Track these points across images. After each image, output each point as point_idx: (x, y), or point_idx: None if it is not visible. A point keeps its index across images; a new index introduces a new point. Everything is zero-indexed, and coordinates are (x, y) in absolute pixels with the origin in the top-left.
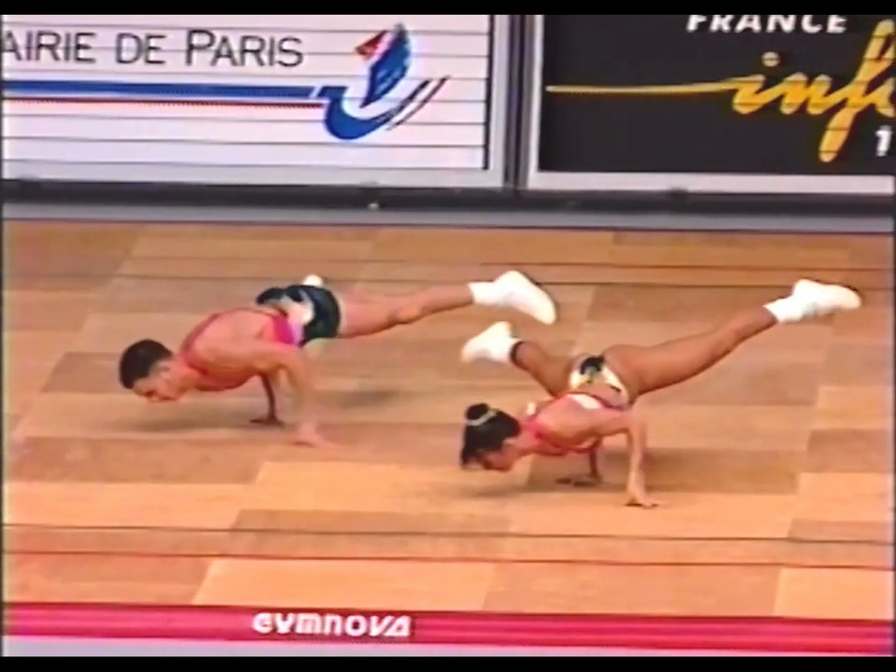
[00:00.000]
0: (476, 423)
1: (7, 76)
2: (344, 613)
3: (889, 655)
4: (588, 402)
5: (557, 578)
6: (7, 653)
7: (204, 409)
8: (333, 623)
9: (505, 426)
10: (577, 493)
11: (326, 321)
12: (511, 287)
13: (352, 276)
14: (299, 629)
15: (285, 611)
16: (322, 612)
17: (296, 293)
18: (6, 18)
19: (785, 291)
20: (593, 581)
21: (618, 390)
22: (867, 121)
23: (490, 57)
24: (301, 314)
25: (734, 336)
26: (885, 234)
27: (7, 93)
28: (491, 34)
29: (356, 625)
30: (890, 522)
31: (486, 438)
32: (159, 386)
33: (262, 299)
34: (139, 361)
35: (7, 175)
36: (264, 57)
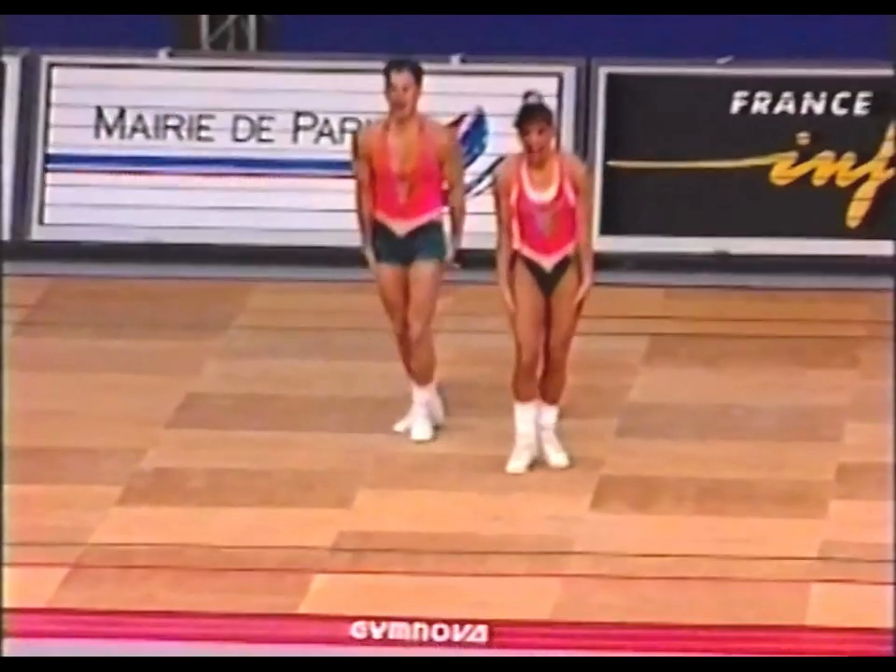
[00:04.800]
0: (531, 100)
1: (138, 153)
2: (430, 622)
3: (890, 656)
4: None
5: (616, 591)
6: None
7: (306, 442)
8: (421, 631)
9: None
10: (634, 516)
11: None
12: None
13: (435, 327)
14: (390, 635)
15: (378, 620)
16: (411, 621)
17: None
18: (129, 101)
19: (815, 341)
20: (647, 595)
21: None
22: (888, 193)
23: (558, 135)
24: None
25: None
26: None
27: (138, 168)
28: (559, 116)
29: (440, 632)
30: None
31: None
32: None
33: None
34: None
35: (138, 239)
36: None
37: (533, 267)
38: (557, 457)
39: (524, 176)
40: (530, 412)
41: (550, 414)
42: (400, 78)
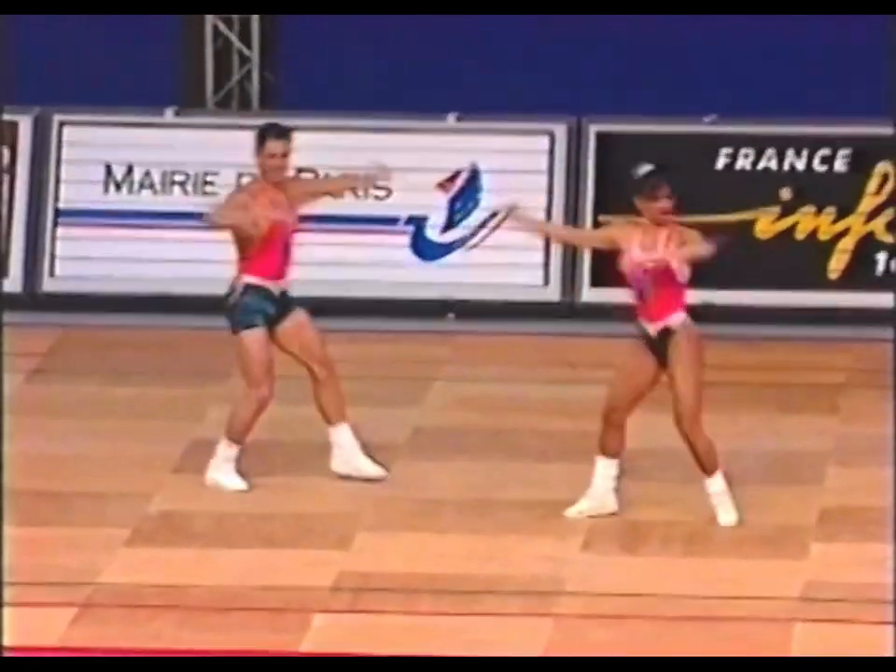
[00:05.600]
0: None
1: (146, 208)
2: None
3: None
4: None
5: (606, 630)
6: None
7: (306, 486)
8: None
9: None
10: (623, 557)
11: None
12: None
13: (433, 375)
14: None
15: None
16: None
17: None
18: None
19: (797, 389)
20: (636, 632)
21: None
22: (867, 246)
23: (550, 192)
24: None
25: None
26: (883, 341)
27: (146, 223)
28: (550, 173)
29: None
30: (888, 584)
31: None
32: None
33: None
34: None
35: (145, 290)
36: (360, 193)
37: (642, 332)
38: (725, 517)
39: (634, 239)
40: (605, 466)
41: (712, 483)
42: (280, 146)
